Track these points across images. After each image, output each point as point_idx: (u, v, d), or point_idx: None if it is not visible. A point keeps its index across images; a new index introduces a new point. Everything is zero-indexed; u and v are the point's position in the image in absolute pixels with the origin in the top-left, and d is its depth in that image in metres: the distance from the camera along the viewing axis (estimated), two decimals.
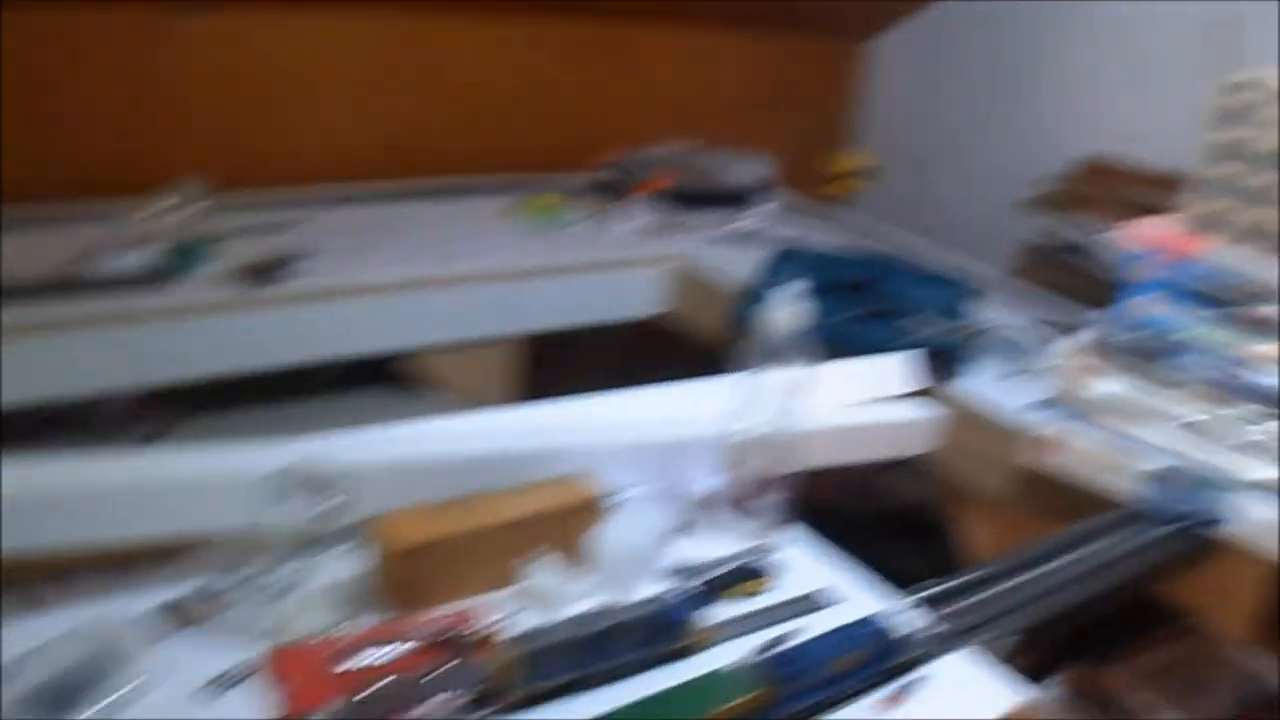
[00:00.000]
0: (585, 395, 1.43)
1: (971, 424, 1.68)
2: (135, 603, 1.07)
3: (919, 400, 1.65)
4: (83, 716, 0.91)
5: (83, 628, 1.00)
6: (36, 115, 2.14)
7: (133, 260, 1.85)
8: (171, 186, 1.92)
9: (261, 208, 2.20)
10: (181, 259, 1.87)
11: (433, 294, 1.99)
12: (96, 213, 2.08)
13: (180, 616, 1.06)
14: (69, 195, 2.14)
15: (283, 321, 1.85)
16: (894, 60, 3.35)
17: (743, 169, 2.54)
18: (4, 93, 2.04)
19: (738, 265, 2.10)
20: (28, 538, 1.06)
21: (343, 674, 0.99)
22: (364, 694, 0.96)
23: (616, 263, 2.23)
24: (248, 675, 0.99)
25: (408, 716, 0.94)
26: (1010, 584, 1.26)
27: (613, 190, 2.48)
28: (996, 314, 2.02)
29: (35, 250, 1.89)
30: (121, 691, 0.93)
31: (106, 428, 1.92)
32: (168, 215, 1.94)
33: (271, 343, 1.85)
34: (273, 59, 2.37)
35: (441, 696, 0.96)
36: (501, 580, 1.14)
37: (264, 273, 1.88)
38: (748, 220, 2.42)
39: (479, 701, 0.96)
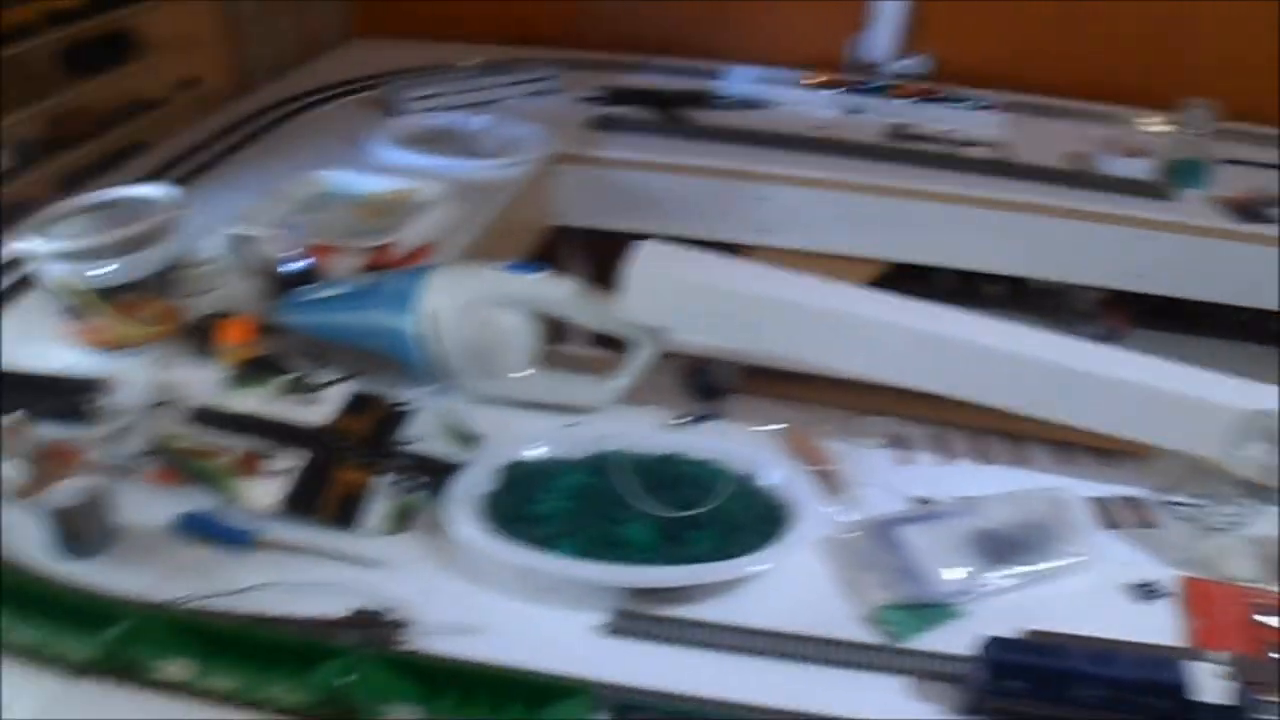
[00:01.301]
0: None
1: None
2: (1072, 488, 1.15)
3: None
4: (1029, 568, 1.02)
5: (1036, 493, 1.11)
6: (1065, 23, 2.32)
7: (1131, 167, 1.93)
8: (1178, 106, 1.94)
9: (1263, 143, 2.13)
10: (1176, 177, 1.90)
11: None
12: (1100, 115, 2.18)
13: (1110, 516, 1.13)
14: (1078, 95, 2.29)
15: (1261, 260, 1.80)
16: None
17: None
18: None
19: None
20: (996, 395, 1.15)
21: (1257, 628, 1.00)
22: (1273, 654, 0.96)
23: None
24: (1166, 594, 1.03)
25: None
26: None
27: None
28: None
29: (1044, 138, 2.06)
30: (1064, 561, 1.03)
31: (1067, 317, 2.05)
32: (1168, 132, 1.97)
33: (1245, 280, 1.82)
34: None
35: None
36: None
37: (1251, 208, 1.84)
38: None
39: None
